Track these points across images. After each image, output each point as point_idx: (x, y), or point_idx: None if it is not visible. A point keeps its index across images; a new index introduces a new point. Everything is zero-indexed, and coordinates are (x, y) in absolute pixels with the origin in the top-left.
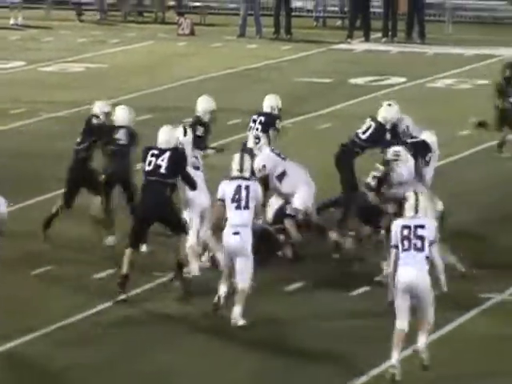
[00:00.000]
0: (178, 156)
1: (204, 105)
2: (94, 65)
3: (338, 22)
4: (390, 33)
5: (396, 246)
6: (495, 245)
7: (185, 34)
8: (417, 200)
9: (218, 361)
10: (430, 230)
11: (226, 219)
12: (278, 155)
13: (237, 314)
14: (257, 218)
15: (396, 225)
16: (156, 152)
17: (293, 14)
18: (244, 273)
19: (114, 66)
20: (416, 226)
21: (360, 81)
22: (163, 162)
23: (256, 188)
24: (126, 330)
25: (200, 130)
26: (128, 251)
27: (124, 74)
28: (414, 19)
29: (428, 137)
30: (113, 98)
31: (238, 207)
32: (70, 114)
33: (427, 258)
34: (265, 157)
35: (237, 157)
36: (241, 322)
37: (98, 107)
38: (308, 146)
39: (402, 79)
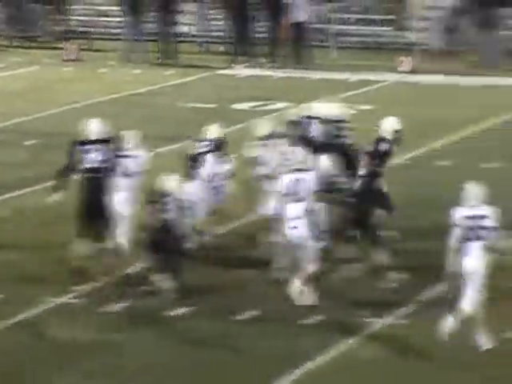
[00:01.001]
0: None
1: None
2: None
3: (222, 48)
4: (274, 58)
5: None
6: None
7: (71, 59)
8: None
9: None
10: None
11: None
12: None
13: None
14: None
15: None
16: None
17: (177, 39)
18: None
19: None
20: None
21: (244, 106)
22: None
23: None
24: (16, 355)
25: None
26: None
27: (10, 98)
28: (298, 44)
29: None
30: None
31: (295, 200)
32: None
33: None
34: None
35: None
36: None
37: None
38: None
39: (287, 104)
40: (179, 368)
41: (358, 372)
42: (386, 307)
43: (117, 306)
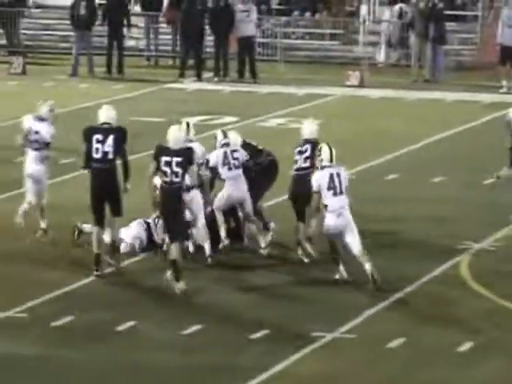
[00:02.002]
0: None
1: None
2: None
3: (170, 61)
4: (221, 72)
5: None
6: (331, 282)
7: (16, 73)
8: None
9: None
10: None
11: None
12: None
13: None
14: None
15: None
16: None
17: (125, 53)
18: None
19: None
20: None
21: (193, 120)
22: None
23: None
24: None
25: None
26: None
27: None
28: (246, 58)
29: None
30: None
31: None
32: None
33: None
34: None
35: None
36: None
37: None
38: (141, 184)
39: (235, 118)
40: (123, 382)
41: None
42: (335, 321)
43: (66, 320)
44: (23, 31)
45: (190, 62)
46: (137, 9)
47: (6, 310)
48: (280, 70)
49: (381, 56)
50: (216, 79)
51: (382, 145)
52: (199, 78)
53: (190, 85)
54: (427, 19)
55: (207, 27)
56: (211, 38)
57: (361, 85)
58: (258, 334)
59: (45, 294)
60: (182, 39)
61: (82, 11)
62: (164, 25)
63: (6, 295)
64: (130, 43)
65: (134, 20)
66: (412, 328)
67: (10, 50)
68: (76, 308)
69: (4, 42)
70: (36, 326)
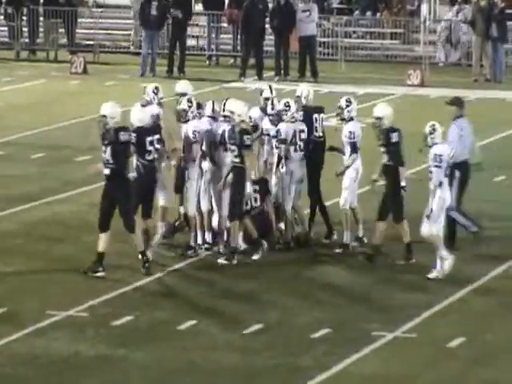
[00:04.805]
0: None
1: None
2: None
3: (231, 61)
4: (282, 71)
5: None
6: (392, 282)
7: (77, 72)
8: None
9: None
10: None
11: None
12: None
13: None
14: None
15: None
16: None
17: (186, 52)
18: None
19: (6, 105)
20: None
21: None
22: None
23: None
24: (15, 368)
25: None
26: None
27: (17, 112)
28: (307, 57)
29: None
30: (7, 137)
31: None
32: None
33: None
34: None
35: None
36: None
37: None
38: None
39: None
40: (184, 381)
41: None
42: (396, 320)
43: (126, 320)
44: (84, 30)
45: (251, 61)
46: (197, 8)
47: (66, 309)
48: (340, 70)
49: (442, 55)
50: (277, 78)
51: None
52: (260, 77)
53: (250, 84)
54: (488, 18)
55: (268, 26)
56: (272, 37)
57: (421, 84)
58: (319, 334)
59: (105, 294)
60: (243, 38)
61: (154, 12)
62: (225, 24)
63: (67, 294)
64: (190, 42)
65: (194, 19)
66: (472, 327)
67: (71, 49)
68: (136, 307)
69: (65, 41)
70: (97, 326)
